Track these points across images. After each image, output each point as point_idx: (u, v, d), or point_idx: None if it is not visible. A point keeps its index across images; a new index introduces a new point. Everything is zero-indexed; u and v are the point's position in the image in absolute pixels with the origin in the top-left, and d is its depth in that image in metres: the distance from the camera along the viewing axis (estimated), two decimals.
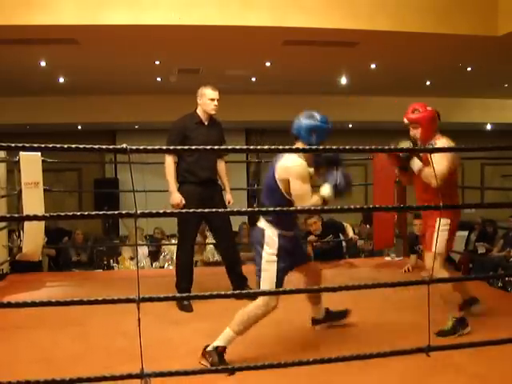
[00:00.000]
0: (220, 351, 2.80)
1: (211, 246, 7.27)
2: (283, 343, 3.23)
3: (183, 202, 3.94)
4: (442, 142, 3.34)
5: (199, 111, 4.17)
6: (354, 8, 6.01)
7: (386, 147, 3.49)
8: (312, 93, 10.06)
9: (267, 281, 3.00)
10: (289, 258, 3.05)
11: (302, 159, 2.91)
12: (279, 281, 3.01)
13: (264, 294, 2.82)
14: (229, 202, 4.29)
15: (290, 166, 2.88)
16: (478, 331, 3.30)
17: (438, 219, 3.10)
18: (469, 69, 8.43)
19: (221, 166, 4.25)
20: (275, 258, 2.99)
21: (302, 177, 2.87)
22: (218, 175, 4.26)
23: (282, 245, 3.01)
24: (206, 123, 4.17)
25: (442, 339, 3.08)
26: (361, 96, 10.38)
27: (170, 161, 3.95)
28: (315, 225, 5.92)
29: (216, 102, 4.15)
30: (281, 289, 2.83)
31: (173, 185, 4.01)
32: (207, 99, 4.12)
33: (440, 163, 3.10)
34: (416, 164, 3.28)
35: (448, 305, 3.25)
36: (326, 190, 2.95)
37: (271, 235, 3.00)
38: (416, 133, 3.34)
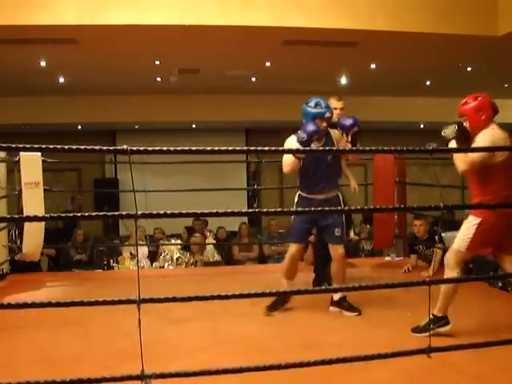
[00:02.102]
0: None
1: (211, 245, 7.28)
2: (284, 343, 3.23)
3: None
4: (484, 132, 3.18)
5: None
6: (353, 8, 6.01)
7: (386, 147, 3.50)
8: (312, 93, 10.00)
9: (290, 232, 4.00)
10: (305, 216, 3.84)
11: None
12: (295, 232, 3.90)
13: (264, 295, 2.81)
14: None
15: None
16: (479, 331, 3.31)
17: (470, 215, 3.13)
18: (469, 69, 8.42)
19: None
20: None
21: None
22: None
23: (299, 202, 3.91)
24: None
25: (442, 339, 3.08)
26: (361, 96, 10.37)
27: None
28: None
29: (339, 111, 4.42)
30: (282, 290, 2.82)
31: None
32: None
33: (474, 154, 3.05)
34: (451, 145, 3.23)
35: (443, 300, 3.19)
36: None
37: (296, 196, 3.95)
38: (466, 124, 3.28)
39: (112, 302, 2.12)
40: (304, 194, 3.91)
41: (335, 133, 3.99)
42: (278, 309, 3.85)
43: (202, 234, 7.66)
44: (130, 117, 10.39)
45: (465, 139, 3.18)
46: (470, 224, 3.15)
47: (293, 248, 3.90)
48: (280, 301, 3.86)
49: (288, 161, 3.76)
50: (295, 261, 3.92)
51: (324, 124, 3.78)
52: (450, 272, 3.22)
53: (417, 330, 3.25)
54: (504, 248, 3.22)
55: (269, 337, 3.37)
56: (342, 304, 3.86)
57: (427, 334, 2.99)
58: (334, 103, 4.41)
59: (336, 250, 3.85)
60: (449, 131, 3.25)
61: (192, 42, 6.51)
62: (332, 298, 3.92)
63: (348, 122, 4.13)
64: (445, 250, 6.24)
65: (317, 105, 3.85)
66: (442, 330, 3.19)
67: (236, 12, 5.87)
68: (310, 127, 3.65)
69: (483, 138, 3.13)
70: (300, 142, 3.61)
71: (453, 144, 3.20)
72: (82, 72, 8.21)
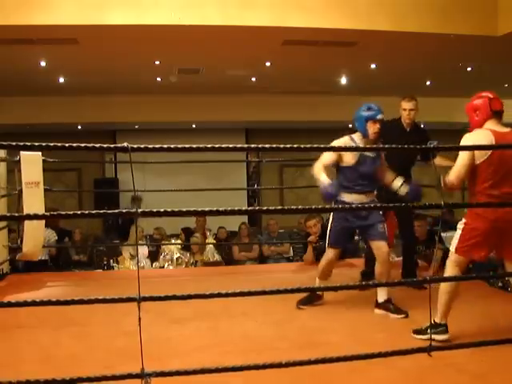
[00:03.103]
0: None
1: (211, 245, 7.27)
2: (284, 343, 3.23)
3: None
4: (466, 135, 3.18)
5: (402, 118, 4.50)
6: (353, 8, 6.01)
7: (387, 146, 3.50)
8: (312, 93, 10.06)
9: (328, 235, 3.99)
10: (342, 219, 3.88)
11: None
12: (333, 236, 3.95)
13: (265, 293, 2.81)
14: None
15: None
16: (479, 331, 3.30)
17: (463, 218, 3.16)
18: (469, 69, 8.43)
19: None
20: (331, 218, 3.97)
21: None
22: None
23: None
24: (408, 129, 4.42)
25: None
26: (361, 96, 10.37)
27: None
28: (315, 227, 5.91)
29: (408, 112, 4.39)
30: (282, 288, 2.81)
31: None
32: (401, 109, 4.44)
33: (458, 157, 3.07)
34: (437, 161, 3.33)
35: (442, 307, 3.14)
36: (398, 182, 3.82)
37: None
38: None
39: (112, 300, 2.12)
40: (342, 197, 3.84)
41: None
42: (309, 304, 3.99)
43: (203, 233, 7.65)
44: (130, 117, 10.39)
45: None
46: (459, 226, 3.18)
47: (330, 252, 3.96)
48: (313, 297, 4.02)
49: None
50: (332, 264, 3.99)
51: (377, 126, 3.79)
52: (447, 273, 3.20)
53: (416, 331, 3.23)
54: (504, 254, 3.21)
55: (269, 337, 3.36)
56: (388, 306, 3.78)
57: (425, 337, 3.04)
58: (403, 104, 4.43)
59: (380, 248, 3.79)
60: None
61: (192, 42, 6.51)
62: (376, 300, 3.82)
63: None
64: (445, 251, 6.25)
65: (369, 108, 3.87)
66: (438, 337, 3.08)
67: (236, 12, 5.87)
68: (329, 193, 3.68)
69: (464, 141, 3.13)
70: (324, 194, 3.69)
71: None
72: (82, 72, 8.21)
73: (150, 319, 3.39)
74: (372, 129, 3.76)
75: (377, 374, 2.68)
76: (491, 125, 3.15)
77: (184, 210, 1.93)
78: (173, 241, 7.40)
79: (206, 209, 2.08)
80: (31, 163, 4.80)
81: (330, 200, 3.73)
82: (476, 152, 3.01)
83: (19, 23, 5.50)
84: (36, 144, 1.98)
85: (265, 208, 2.92)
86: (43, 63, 7.48)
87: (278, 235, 7.90)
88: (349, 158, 3.81)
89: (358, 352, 2.46)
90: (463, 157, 3.04)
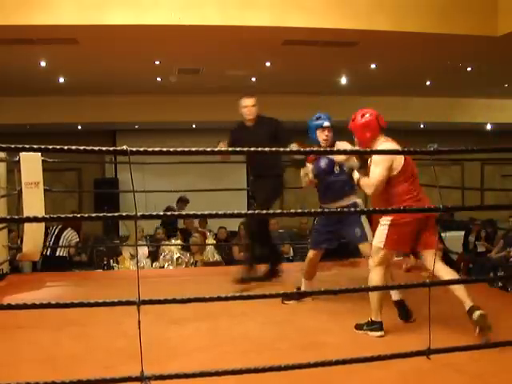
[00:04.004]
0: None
1: (211, 246, 7.28)
2: (284, 344, 3.23)
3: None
4: (381, 145, 3.45)
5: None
6: (353, 8, 6.01)
7: (386, 149, 3.49)
8: (312, 93, 10.05)
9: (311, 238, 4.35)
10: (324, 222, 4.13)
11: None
12: (313, 238, 4.25)
13: (264, 296, 2.82)
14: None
15: None
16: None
17: (383, 217, 3.44)
18: (469, 69, 8.42)
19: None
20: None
21: None
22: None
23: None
24: (251, 125, 4.75)
25: (441, 340, 3.07)
26: (361, 96, 10.37)
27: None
28: (306, 225, 6.00)
29: (248, 109, 4.71)
30: (282, 292, 2.82)
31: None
32: (241, 108, 4.73)
33: (373, 171, 3.36)
34: (355, 176, 3.53)
35: (374, 304, 3.37)
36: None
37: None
38: (355, 141, 3.61)
39: (112, 303, 2.12)
40: (322, 205, 4.25)
41: (343, 144, 4.06)
42: (293, 299, 4.10)
43: (202, 233, 7.65)
44: (130, 117, 10.38)
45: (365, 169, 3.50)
46: (384, 224, 3.40)
47: (310, 253, 4.21)
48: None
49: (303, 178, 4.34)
50: (313, 264, 4.22)
51: (325, 133, 4.05)
52: (373, 269, 3.43)
53: (356, 326, 3.43)
54: (421, 244, 3.42)
55: (268, 337, 3.37)
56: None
57: (361, 332, 3.35)
58: (243, 102, 4.73)
59: (362, 250, 4.02)
60: (354, 164, 3.57)
61: (192, 42, 6.51)
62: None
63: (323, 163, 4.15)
64: (445, 251, 6.27)
65: (318, 118, 4.09)
66: (372, 333, 3.31)
67: (236, 12, 5.87)
68: (322, 164, 4.08)
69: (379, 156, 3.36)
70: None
71: (356, 174, 3.52)
72: (82, 72, 8.21)
73: (149, 320, 3.39)
74: (321, 136, 4.04)
75: (376, 375, 2.69)
76: (383, 138, 3.48)
77: (184, 212, 1.93)
78: (172, 241, 7.41)
79: (206, 212, 2.08)
80: (31, 163, 4.80)
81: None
82: (395, 162, 3.33)
83: (19, 23, 5.49)
84: (35, 146, 1.97)
85: (264, 212, 2.92)
86: (43, 63, 7.48)
87: (279, 235, 7.90)
88: None
89: (358, 353, 2.46)
90: (383, 169, 3.32)
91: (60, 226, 7.17)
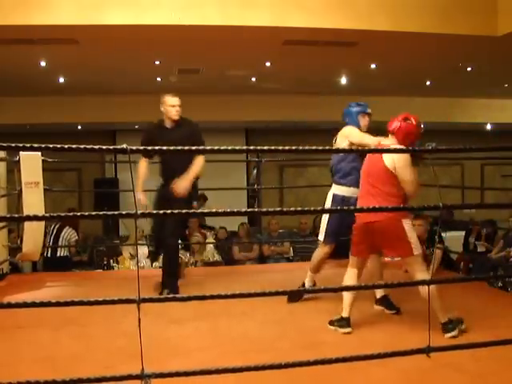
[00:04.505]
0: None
1: (211, 245, 7.27)
2: (284, 343, 3.23)
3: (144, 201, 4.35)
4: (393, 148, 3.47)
5: (164, 117, 4.52)
6: (353, 8, 6.00)
7: (385, 148, 3.50)
8: (312, 93, 10.05)
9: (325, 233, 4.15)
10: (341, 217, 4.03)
11: None
12: (329, 227, 4.11)
13: (264, 295, 2.81)
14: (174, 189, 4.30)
15: None
16: (478, 331, 3.31)
17: None
18: (469, 69, 8.42)
19: (195, 161, 4.35)
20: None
21: None
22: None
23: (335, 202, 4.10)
24: (170, 127, 4.48)
25: (441, 339, 3.08)
26: (361, 96, 10.37)
27: (141, 163, 4.46)
28: (305, 225, 6.05)
29: (177, 108, 4.50)
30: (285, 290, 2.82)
31: (137, 185, 4.39)
32: (168, 106, 4.49)
33: (407, 173, 3.33)
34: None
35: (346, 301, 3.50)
36: None
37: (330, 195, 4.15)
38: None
39: (112, 301, 2.12)
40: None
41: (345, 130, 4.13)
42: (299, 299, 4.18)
43: (202, 234, 7.65)
44: (130, 117, 10.37)
45: None
46: None
47: (325, 248, 4.20)
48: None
49: None
50: (325, 258, 4.26)
51: (367, 119, 4.18)
52: (348, 270, 3.57)
53: (329, 322, 3.55)
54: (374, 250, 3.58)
55: (268, 337, 3.37)
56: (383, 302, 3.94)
57: (333, 327, 3.48)
58: (172, 101, 4.54)
59: None
60: None
61: (192, 42, 6.50)
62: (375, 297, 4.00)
63: None
64: (444, 250, 6.26)
65: (358, 105, 4.22)
66: (340, 330, 3.46)
67: (236, 12, 5.86)
68: None
69: (401, 156, 3.30)
70: None
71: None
72: (82, 72, 8.21)
73: (149, 320, 3.39)
74: (363, 121, 4.14)
75: (376, 373, 2.69)
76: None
77: (183, 211, 1.93)
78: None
79: (205, 210, 2.08)
80: (31, 163, 4.80)
81: None
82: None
83: (19, 23, 5.49)
84: (35, 145, 1.98)
85: (264, 209, 2.92)
86: (43, 63, 7.47)
87: (278, 235, 7.90)
88: None
89: (358, 352, 2.46)
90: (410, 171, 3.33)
91: (58, 226, 7.17)
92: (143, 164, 4.49)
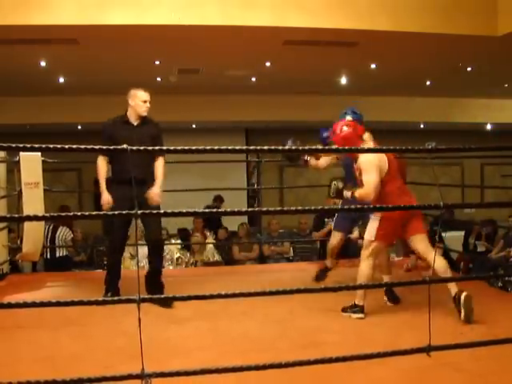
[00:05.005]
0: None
1: (211, 245, 7.27)
2: (284, 342, 3.23)
3: (110, 201, 4.14)
4: (360, 155, 3.83)
5: (128, 112, 4.25)
6: (354, 8, 6.00)
7: (386, 147, 3.50)
8: (312, 93, 10.05)
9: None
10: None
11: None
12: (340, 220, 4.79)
13: (264, 294, 2.81)
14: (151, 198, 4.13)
15: None
16: (478, 331, 3.31)
17: (374, 214, 3.77)
18: (469, 69, 8.42)
19: (157, 163, 4.23)
20: None
21: None
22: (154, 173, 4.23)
23: None
24: (136, 124, 4.25)
25: (441, 339, 3.08)
26: (361, 96, 10.37)
27: (99, 161, 4.09)
28: (305, 225, 6.09)
29: (148, 104, 4.26)
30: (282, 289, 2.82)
31: (103, 185, 4.20)
32: (140, 101, 4.21)
33: (367, 179, 3.65)
34: (347, 195, 3.82)
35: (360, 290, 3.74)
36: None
37: None
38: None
39: (112, 301, 2.12)
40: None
41: None
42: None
43: (202, 234, 7.66)
44: None
45: (341, 196, 3.89)
46: (375, 219, 3.75)
47: (338, 235, 4.77)
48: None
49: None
50: (339, 245, 4.82)
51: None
52: (364, 260, 3.77)
53: (342, 309, 3.79)
54: (408, 232, 3.76)
55: (269, 336, 3.37)
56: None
57: (346, 314, 3.73)
58: (143, 96, 4.27)
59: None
60: (332, 190, 3.90)
61: (192, 42, 6.50)
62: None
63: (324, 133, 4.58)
64: (445, 250, 6.26)
65: (354, 112, 4.45)
66: (354, 315, 3.72)
67: (236, 12, 5.86)
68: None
69: (365, 159, 3.64)
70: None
71: (347, 194, 3.82)
72: (82, 72, 8.21)
73: (149, 319, 3.39)
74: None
75: (376, 373, 2.69)
76: (366, 142, 3.88)
77: (184, 211, 1.93)
78: (173, 240, 7.41)
79: (206, 210, 2.08)
80: (31, 164, 4.80)
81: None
82: (382, 165, 3.67)
83: (19, 23, 5.49)
84: (35, 146, 1.98)
85: (265, 209, 2.93)
86: (43, 63, 7.47)
87: (278, 235, 7.90)
88: None
89: (358, 351, 2.46)
90: (375, 174, 3.64)
91: (51, 227, 7.14)
92: (103, 163, 4.14)
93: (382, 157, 3.68)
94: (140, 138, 3.97)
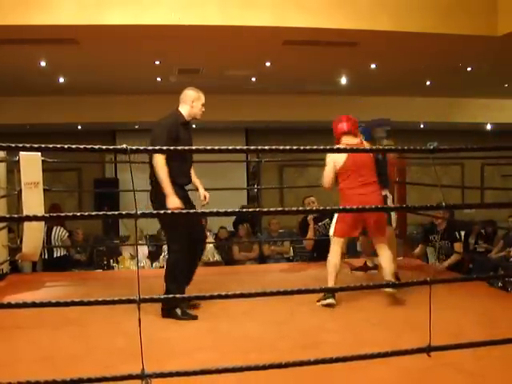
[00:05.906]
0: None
1: (211, 245, 7.27)
2: (284, 343, 3.23)
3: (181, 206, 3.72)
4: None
5: (185, 112, 4.02)
6: (354, 8, 6.00)
7: (386, 147, 3.50)
8: (312, 93, 10.05)
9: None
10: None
11: None
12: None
13: (264, 294, 2.81)
14: (205, 197, 4.07)
15: None
16: (478, 331, 3.30)
17: None
18: (469, 69, 8.42)
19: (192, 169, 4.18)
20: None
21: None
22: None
23: None
24: (188, 125, 4.11)
25: (442, 339, 3.07)
26: (361, 96, 10.37)
27: (163, 161, 3.65)
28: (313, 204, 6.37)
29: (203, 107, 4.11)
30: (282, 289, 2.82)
31: (170, 187, 3.70)
32: (201, 104, 4.04)
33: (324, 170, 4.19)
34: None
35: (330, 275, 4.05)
36: None
37: None
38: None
39: (112, 301, 2.12)
40: None
41: None
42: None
43: None
44: (130, 117, 10.37)
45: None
46: (335, 217, 4.26)
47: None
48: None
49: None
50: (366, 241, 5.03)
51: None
52: (330, 253, 4.15)
53: (317, 300, 3.98)
54: (371, 233, 4.20)
55: (269, 337, 3.36)
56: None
57: (319, 303, 3.95)
58: (203, 98, 4.08)
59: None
60: None
61: (192, 42, 6.50)
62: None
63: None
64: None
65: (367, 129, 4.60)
66: (324, 302, 3.93)
67: (236, 12, 5.86)
68: None
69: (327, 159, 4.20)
70: None
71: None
72: (82, 72, 8.20)
73: (149, 320, 3.40)
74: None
75: (376, 373, 2.69)
76: (345, 142, 4.19)
77: (184, 211, 1.92)
78: None
79: (206, 210, 2.08)
80: (30, 164, 4.80)
81: None
82: (337, 162, 4.09)
83: (19, 23, 5.49)
84: (35, 146, 1.97)
85: (265, 209, 2.93)
86: (43, 63, 7.47)
87: (279, 235, 7.90)
88: None
89: (358, 351, 2.45)
90: (328, 168, 4.17)
91: (45, 228, 7.09)
92: (164, 162, 3.72)
93: (341, 155, 4.07)
94: (191, 142, 3.93)
